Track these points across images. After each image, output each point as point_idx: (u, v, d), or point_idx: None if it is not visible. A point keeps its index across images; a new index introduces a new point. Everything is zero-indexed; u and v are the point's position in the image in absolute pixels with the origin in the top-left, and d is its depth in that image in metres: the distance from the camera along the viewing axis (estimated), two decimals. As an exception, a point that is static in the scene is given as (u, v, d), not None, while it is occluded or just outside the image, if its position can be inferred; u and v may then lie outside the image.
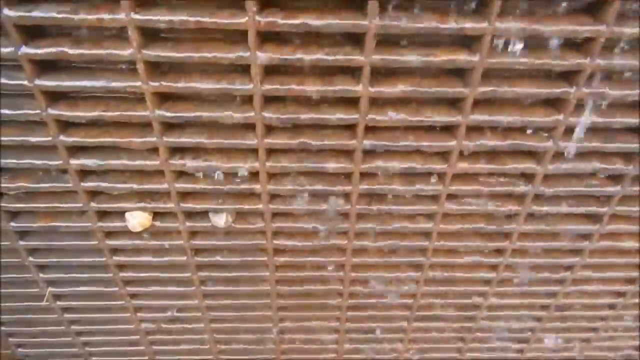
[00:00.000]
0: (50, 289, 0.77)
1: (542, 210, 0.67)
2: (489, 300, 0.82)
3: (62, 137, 0.56)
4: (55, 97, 0.54)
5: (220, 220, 0.67)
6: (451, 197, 0.66)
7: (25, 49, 0.49)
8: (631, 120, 0.57)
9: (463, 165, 0.61)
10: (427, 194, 0.65)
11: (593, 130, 0.60)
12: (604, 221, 0.69)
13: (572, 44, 0.53)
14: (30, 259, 0.71)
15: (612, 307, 0.86)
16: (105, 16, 0.47)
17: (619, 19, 0.49)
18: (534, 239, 0.72)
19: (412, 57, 0.51)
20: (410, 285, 0.79)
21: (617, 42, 0.52)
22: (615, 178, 0.65)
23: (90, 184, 0.62)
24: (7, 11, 0.46)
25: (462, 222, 0.69)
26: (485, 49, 0.50)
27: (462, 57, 0.51)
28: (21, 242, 0.69)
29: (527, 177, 0.64)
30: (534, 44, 0.52)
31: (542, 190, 0.64)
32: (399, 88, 0.53)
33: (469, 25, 0.48)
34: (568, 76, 0.55)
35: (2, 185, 0.61)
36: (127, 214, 0.66)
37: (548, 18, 0.50)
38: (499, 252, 0.74)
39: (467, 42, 0.52)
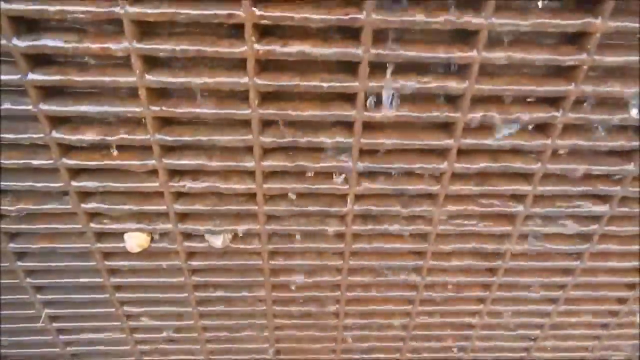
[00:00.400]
0: (46, 310, 0.77)
1: (533, 230, 0.69)
2: (483, 320, 0.83)
3: (64, 160, 0.58)
4: (58, 121, 0.56)
5: (218, 241, 0.68)
6: (444, 218, 0.67)
7: (31, 76, 0.51)
8: (617, 143, 0.60)
9: (455, 187, 0.63)
10: (420, 214, 0.66)
11: (579, 153, 0.62)
12: (594, 241, 0.71)
13: (558, 70, 0.55)
14: (28, 280, 0.72)
15: (604, 326, 0.87)
16: (110, 45, 0.49)
17: (600, 48, 0.52)
18: (526, 259, 0.74)
19: (404, 84, 0.53)
20: (406, 304, 0.80)
21: (598, 69, 0.55)
22: (603, 198, 0.66)
23: (90, 206, 0.63)
24: (15, 40, 0.48)
25: (456, 242, 0.71)
26: (474, 76, 0.52)
27: (452, 84, 0.53)
28: (19, 263, 0.69)
29: (518, 198, 0.66)
30: (522, 69, 0.54)
31: (533, 210, 0.66)
32: (393, 112, 0.55)
33: (458, 54, 0.51)
34: (554, 101, 0.57)
35: (4, 207, 0.62)
36: (125, 235, 0.67)
37: (534, 47, 0.52)
38: (492, 271, 0.76)
39: (457, 69, 0.54)
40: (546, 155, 0.60)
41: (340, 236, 0.69)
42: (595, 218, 0.69)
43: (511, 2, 0.50)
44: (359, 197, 0.64)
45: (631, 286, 0.80)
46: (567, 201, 0.67)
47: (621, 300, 0.82)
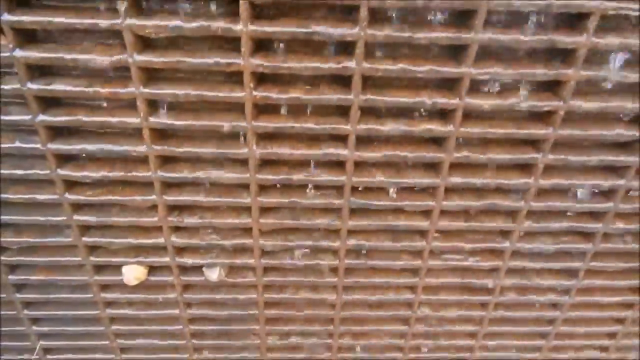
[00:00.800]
0: (41, 342, 0.78)
1: (521, 265, 0.71)
2: (475, 354, 0.84)
3: (67, 195, 0.60)
4: (64, 158, 0.59)
5: (214, 274, 0.69)
6: (434, 253, 0.69)
7: (41, 117, 0.54)
8: (597, 182, 0.62)
9: (444, 223, 0.65)
10: (411, 249, 0.68)
11: (562, 191, 0.65)
12: (580, 276, 0.73)
13: (537, 115, 0.59)
14: (25, 311, 0.73)
15: (596, 361, 0.88)
16: (119, 90, 0.52)
17: (575, 94, 0.55)
18: (516, 293, 0.75)
19: (393, 127, 0.56)
20: (398, 338, 0.81)
21: (575, 115, 0.58)
22: (587, 235, 0.69)
23: (90, 239, 0.65)
24: (29, 84, 0.51)
25: (446, 276, 0.72)
26: (458, 121, 0.56)
27: (438, 127, 0.57)
28: (18, 295, 0.70)
29: (505, 234, 0.68)
30: (504, 114, 0.58)
31: (519, 246, 0.68)
32: (382, 153, 0.58)
33: (442, 100, 0.54)
34: (534, 143, 0.60)
35: (6, 239, 0.64)
36: (123, 268, 0.68)
37: (516, 94, 0.56)
38: (482, 305, 0.77)
39: (443, 113, 0.58)
40: (530, 193, 0.63)
41: (333, 270, 0.71)
42: (580, 254, 0.71)
43: (493, 50, 0.54)
44: (350, 232, 0.67)
45: (620, 321, 0.81)
46: (552, 238, 0.69)
47: (611, 335, 0.83)
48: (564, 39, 0.51)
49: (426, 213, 0.65)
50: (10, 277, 0.68)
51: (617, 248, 0.69)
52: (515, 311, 0.78)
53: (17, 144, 0.56)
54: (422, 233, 0.67)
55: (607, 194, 0.65)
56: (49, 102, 0.55)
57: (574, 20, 0.51)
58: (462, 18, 0.51)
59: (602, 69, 0.54)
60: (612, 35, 0.51)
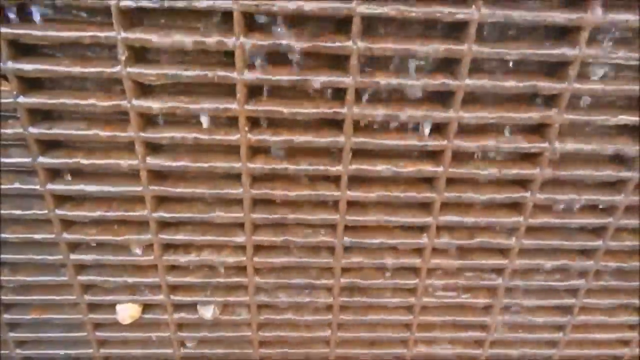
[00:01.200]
0: (31, 382, 0.77)
1: (515, 302, 0.71)
2: (472, 394, 0.82)
3: (64, 235, 0.61)
4: (62, 198, 0.60)
5: (208, 312, 0.69)
6: (427, 290, 0.70)
7: (42, 159, 0.55)
8: (586, 220, 0.64)
9: (436, 261, 0.66)
10: (404, 287, 0.69)
11: (554, 229, 0.66)
12: (574, 313, 0.73)
13: (524, 156, 0.61)
14: (18, 350, 0.72)
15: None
16: (117, 133, 0.54)
17: (560, 136, 0.57)
18: (511, 330, 0.75)
19: (383, 167, 0.58)
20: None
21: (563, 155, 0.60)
22: (581, 273, 0.69)
23: (85, 278, 0.65)
24: (31, 129, 0.53)
25: (440, 314, 0.72)
26: (448, 161, 0.57)
27: (427, 168, 0.58)
28: (11, 334, 0.70)
29: (497, 271, 0.69)
30: (492, 155, 0.60)
31: (512, 284, 0.69)
32: (374, 193, 0.60)
33: (431, 142, 0.56)
34: (523, 183, 0.62)
35: (2, 278, 0.64)
36: (118, 307, 0.68)
37: (500, 136, 0.58)
38: (478, 343, 0.77)
39: (432, 154, 0.59)
40: (520, 231, 0.64)
41: (328, 308, 0.71)
42: (573, 291, 0.71)
43: (478, 96, 0.56)
44: (345, 270, 0.67)
45: (617, 358, 0.80)
46: (545, 275, 0.70)
47: (609, 373, 0.83)
48: (547, 85, 0.53)
49: (419, 250, 0.66)
50: (4, 316, 0.68)
51: (610, 285, 0.70)
52: (511, 349, 0.77)
53: (17, 185, 0.57)
54: (415, 270, 0.68)
55: (598, 230, 0.66)
56: (49, 144, 0.56)
57: (557, 66, 0.54)
58: (447, 64, 0.54)
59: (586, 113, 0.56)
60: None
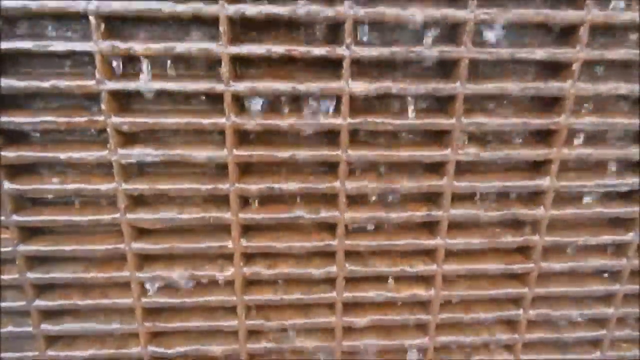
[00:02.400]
0: None
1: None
2: None
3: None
4: (55, 338, 0.59)
5: None
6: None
7: (37, 302, 0.56)
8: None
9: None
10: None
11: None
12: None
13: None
14: None
15: None
16: (113, 274, 0.55)
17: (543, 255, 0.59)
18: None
19: (378, 293, 0.59)
20: None
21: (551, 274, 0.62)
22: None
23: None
24: (29, 274, 0.54)
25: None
26: (439, 285, 0.59)
27: (420, 292, 0.59)
28: None
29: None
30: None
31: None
32: (368, 317, 0.60)
33: (421, 268, 0.58)
34: (515, 301, 0.63)
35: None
36: None
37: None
38: None
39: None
40: (517, 347, 0.64)
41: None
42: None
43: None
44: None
45: None
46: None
47: None
48: (524, 212, 0.56)
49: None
50: None
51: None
52: None
53: (10, 328, 0.57)
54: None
55: (594, 342, 0.66)
56: (44, 287, 0.57)
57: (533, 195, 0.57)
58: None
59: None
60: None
